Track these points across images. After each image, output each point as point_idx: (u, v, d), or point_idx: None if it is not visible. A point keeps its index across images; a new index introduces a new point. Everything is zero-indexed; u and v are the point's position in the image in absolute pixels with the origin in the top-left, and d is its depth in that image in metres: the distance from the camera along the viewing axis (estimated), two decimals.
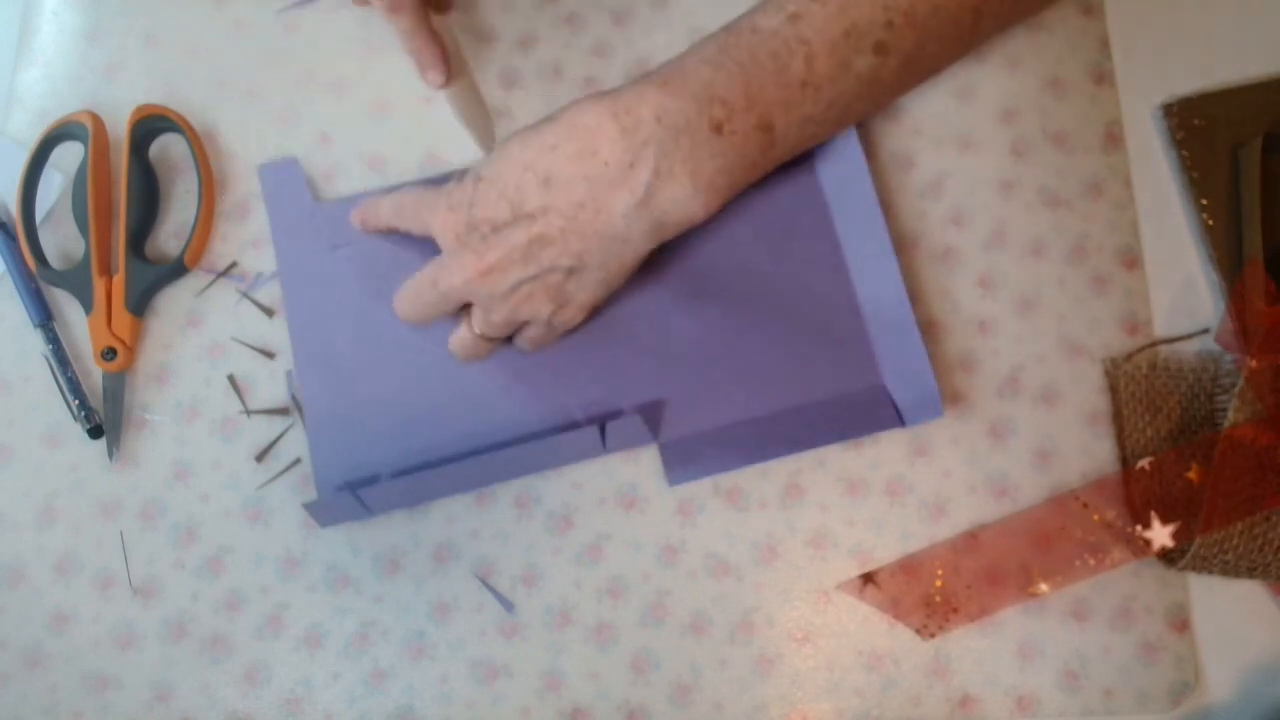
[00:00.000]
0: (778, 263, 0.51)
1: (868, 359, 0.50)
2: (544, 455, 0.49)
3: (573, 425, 0.50)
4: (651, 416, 0.50)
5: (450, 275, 0.46)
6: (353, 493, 0.48)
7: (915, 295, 0.51)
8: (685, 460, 0.50)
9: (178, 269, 0.53)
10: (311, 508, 0.49)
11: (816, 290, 0.51)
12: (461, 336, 0.49)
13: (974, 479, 0.50)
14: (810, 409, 0.50)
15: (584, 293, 0.47)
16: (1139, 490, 0.49)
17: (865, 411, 0.49)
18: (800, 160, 0.50)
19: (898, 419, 0.49)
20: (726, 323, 0.51)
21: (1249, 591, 0.48)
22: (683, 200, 0.44)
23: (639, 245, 0.45)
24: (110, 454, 0.52)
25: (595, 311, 0.50)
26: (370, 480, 0.50)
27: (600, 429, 0.48)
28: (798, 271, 0.51)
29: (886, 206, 0.52)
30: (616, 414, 0.50)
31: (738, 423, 0.50)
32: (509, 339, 0.51)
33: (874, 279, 0.50)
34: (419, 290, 0.47)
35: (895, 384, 0.49)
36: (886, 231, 0.50)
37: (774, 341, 0.51)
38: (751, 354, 0.50)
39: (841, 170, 0.51)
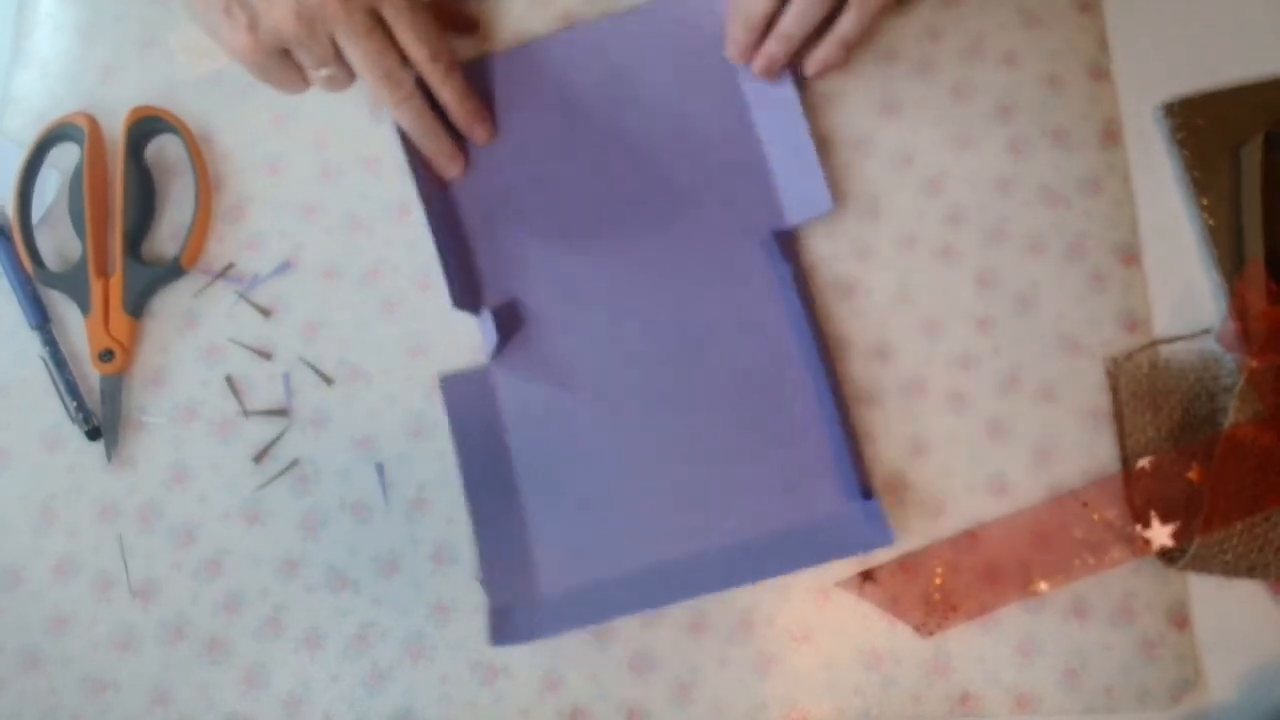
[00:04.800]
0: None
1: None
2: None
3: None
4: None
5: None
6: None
7: (913, 294, 0.51)
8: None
9: (174, 270, 0.53)
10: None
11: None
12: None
13: (973, 477, 0.50)
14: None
15: None
16: (1139, 490, 0.48)
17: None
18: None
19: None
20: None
21: (1249, 590, 0.48)
22: None
23: None
24: (108, 456, 0.52)
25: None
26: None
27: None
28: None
29: (884, 205, 0.52)
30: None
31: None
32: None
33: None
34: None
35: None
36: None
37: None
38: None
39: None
